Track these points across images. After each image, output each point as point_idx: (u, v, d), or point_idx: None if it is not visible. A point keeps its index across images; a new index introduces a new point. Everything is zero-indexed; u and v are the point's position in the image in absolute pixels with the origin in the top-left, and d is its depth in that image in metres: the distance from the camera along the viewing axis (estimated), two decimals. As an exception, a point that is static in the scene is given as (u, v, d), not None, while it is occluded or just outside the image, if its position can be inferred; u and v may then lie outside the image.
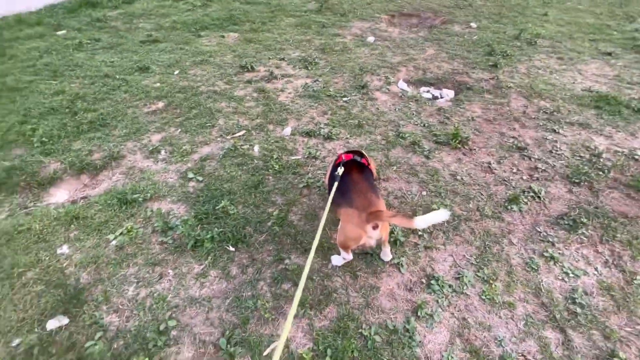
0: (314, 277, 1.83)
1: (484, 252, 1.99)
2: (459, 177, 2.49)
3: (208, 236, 2.00)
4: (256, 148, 2.74)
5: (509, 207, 2.26)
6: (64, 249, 1.96)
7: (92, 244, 2.00)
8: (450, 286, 1.81)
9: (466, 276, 1.85)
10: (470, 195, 2.35)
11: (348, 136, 2.90)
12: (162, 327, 1.62)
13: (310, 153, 2.68)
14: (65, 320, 1.64)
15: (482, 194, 2.36)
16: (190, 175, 2.47)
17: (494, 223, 2.17)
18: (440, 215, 1.50)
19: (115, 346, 1.56)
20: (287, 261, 1.92)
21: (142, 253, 1.96)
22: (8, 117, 3.02)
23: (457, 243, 2.04)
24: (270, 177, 2.47)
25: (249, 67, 3.91)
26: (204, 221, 2.12)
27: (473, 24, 5.26)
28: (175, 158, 2.63)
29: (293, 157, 2.66)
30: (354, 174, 1.78)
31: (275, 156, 2.64)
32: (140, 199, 2.26)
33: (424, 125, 3.04)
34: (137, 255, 1.94)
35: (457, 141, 2.75)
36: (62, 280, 1.80)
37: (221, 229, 2.06)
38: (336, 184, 1.67)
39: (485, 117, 3.18)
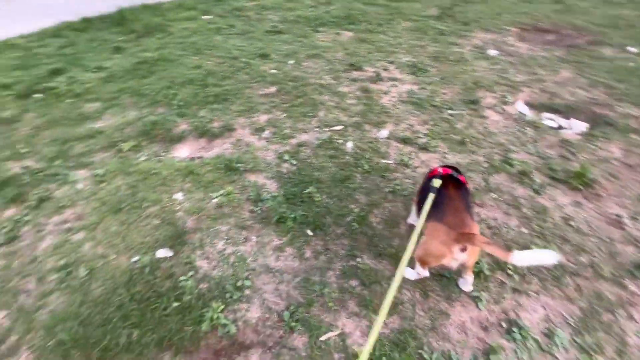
0: (383, 283, 1.82)
1: (588, 317, 1.68)
2: (573, 224, 2.14)
3: (291, 216, 2.16)
4: (349, 144, 2.81)
5: (637, 275, 1.85)
6: (179, 196, 2.36)
7: (199, 197, 2.35)
8: (535, 341, 1.59)
9: (559, 336, 1.59)
10: (584, 247, 1.99)
11: (447, 151, 2.75)
12: (239, 284, 1.82)
13: (402, 160, 2.64)
14: (170, 253, 1.98)
15: (601, 250, 1.98)
16: (286, 157, 2.68)
17: (611, 287, 1.80)
18: (545, 257, 1.32)
19: (200, 287, 1.82)
20: (359, 259, 1.94)
21: (234, 215, 2.23)
22: (159, 82, 3.74)
23: (554, 296, 1.77)
24: (358, 175, 2.52)
25: (357, 66, 4.01)
26: (290, 201, 2.29)
27: (632, 49, 4.37)
28: (276, 139, 2.89)
29: (384, 161, 2.65)
30: (450, 189, 1.69)
31: (366, 156, 2.67)
32: (241, 169, 2.56)
33: (540, 155, 2.68)
34: (231, 216, 2.22)
35: (580, 182, 2.35)
36: (173, 221, 2.17)
37: (304, 213, 2.19)
38: (432, 196, 1.61)
39: (626, 161, 2.63)
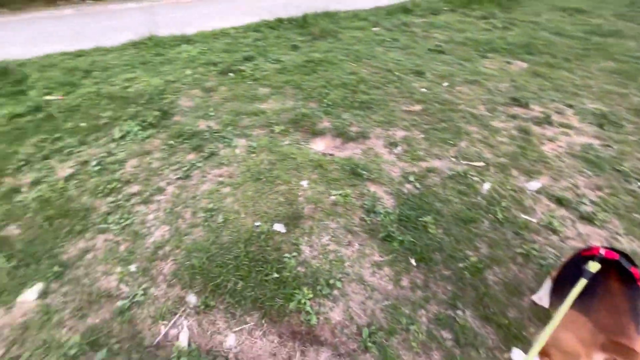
0: (481, 352, 1.58)
1: None
2: None
3: (399, 238, 2.11)
4: (486, 186, 2.52)
5: None
6: (304, 183, 2.62)
7: (320, 189, 2.56)
8: None
9: None
10: None
11: (621, 232, 2.14)
12: (331, 282, 1.91)
13: (550, 223, 2.20)
14: (283, 230, 2.24)
15: None
16: (411, 178, 2.62)
17: None
18: None
19: (299, 269, 1.99)
20: (459, 312, 1.74)
21: (345, 217, 2.33)
22: (317, 80, 4.21)
23: None
24: (486, 222, 2.24)
25: (522, 102, 3.53)
26: (403, 223, 2.24)
27: None
28: (407, 158, 2.86)
29: (525, 216, 2.27)
30: (612, 280, 1.32)
31: (504, 204, 2.34)
32: (364, 176, 2.65)
33: None
34: (342, 217, 2.33)
35: None
36: (294, 203, 2.44)
37: (413, 240, 2.11)
38: (583, 281, 1.29)
39: None
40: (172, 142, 3.08)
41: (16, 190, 2.55)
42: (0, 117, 3.39)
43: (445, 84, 4.03)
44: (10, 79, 4.17)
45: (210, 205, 2.40)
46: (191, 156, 2.93)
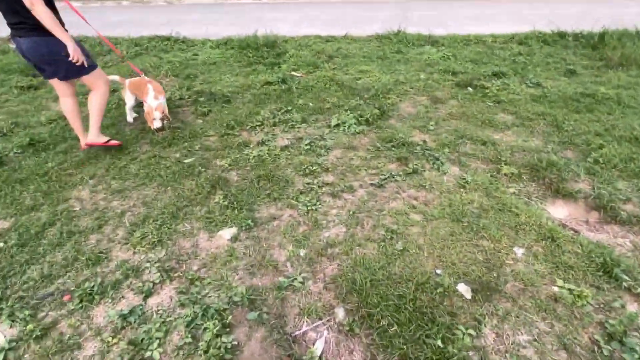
0: None
1: None
2: None
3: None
4: None
5: None
6: (519, 251, 2.36)
7: (539, 269, 2.23)
8: None
9: None
10: None
11: None
12: (510, 397, 1.65)
13: None
14: (468, 295, 2.10)
15: None
16: None
17: None
18: None
19: (470, 353, 1.83)
20: None
21: (565, 324, 1.93)
22: (590, 124, 3.62)
23: None
24: None
25: None
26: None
27: None
28: None
29: None
30: None
31: None
32: (623, 283, 2.11)
33: None
34: (560, 321, 1.95)
35: None
36: (495, 269, 2.23)
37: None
38: None
39: None
40: (379, 144, 3.47)
41: (246, 144, 3.58)
42: (257, 82, 4.82)
43: None
44: (275, 51, 5.84)
45: (394, 227, 2.56)
46: (392, 166, 3.21)
